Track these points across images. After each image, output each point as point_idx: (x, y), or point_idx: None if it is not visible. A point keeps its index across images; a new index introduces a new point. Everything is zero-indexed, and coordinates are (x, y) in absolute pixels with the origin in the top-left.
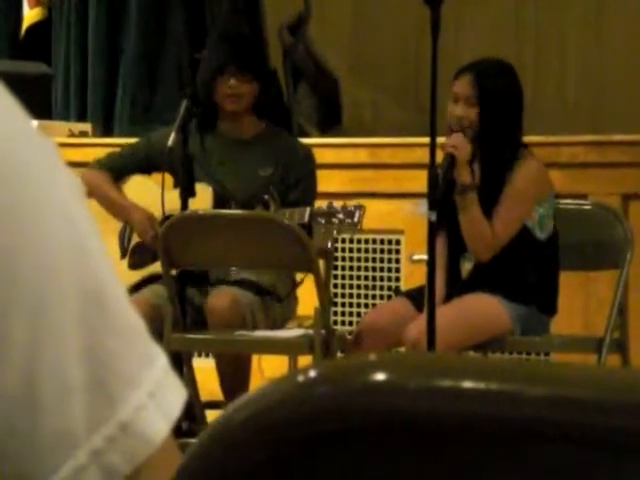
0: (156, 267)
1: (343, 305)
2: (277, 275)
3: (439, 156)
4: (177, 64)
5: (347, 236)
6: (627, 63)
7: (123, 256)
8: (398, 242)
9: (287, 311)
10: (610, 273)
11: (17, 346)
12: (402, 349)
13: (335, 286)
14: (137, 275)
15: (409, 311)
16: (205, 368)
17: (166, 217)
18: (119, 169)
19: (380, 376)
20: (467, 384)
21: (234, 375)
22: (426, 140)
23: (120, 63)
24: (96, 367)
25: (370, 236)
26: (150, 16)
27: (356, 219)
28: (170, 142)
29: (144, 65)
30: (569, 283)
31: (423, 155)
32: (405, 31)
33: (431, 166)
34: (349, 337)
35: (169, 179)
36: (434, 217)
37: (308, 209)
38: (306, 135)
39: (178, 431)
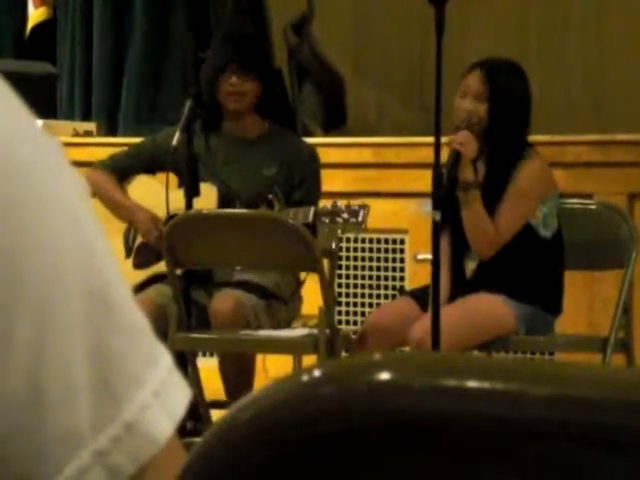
0: (161, 267)
1: (347, 305)
2: (281, 275)
3: (444, 156)
4: (182, 64)
5: (351, 235)
6: (631, 63)
7: (128, 256)
8: (402, 242)
9: (291, 311)
10: (615, 273)
11: (22, 346)
12: (406, 349)
13: (339, 286)
14: (142, 275)
15: (413, 311)
16: (209, 368)
17: (170, 216)
18: (123, 169)
19: (385, 376)
20: (472, 384)
21: (237, 375)
22: (430, 140)
23: (125, 63)
24: (101, 366)
25: (374, 236)
26: (155, 16)
27: (360, 218)
28: (175, 142)
29: (149, 65)
30: (574, 282)
31: (427, 155)
32: (410, 31)
33: (436, 166)
34: (353, 337)
35: (173, 179)
36: (438, 217)
37: (312, 209)
38: (310, 135)
39: (183, 431)
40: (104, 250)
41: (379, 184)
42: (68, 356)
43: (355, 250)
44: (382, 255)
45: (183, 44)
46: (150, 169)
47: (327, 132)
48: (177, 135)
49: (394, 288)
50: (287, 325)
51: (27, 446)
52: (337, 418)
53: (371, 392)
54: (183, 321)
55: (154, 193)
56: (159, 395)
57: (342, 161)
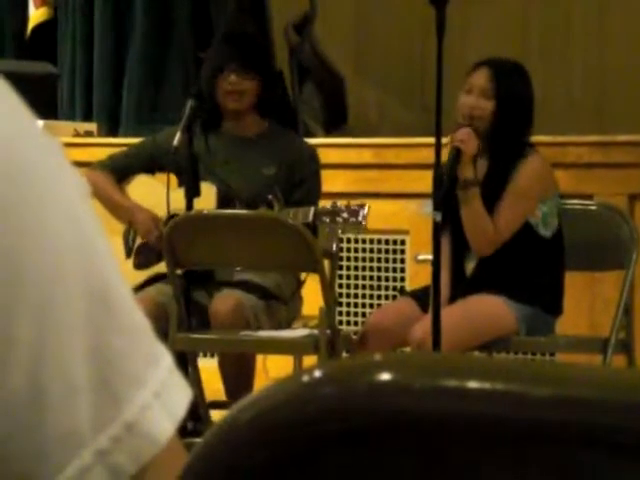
0: (161, 267)
1: (348, 305)
2: (282, 275)
3: (444, 156)
4: (183, 64)
5: (352, 236)
6: (632, 63)
7: (128, 256)
8: (403, 242)
9: (292, 311)
10: (616, 273)
11: (23, 346)
12: (407, 349)
13: (340, 286)
14: (142, 275)
15: (414, 311)
16: (209, 368)
17: (171, 216)
18: (122, 169)
19: (385, 376)
20: (472, 384)
21: (237, 376)
22: (431, 140)
23: (126, 63)
24: (102, 366)
25: (375, 236)
26: (156, 16)
27: (360, 218)
28: (176, 142)
29: (150, 65)
30: (575, 283)
31: (428, 155)
32: (411, 31)
33: (436, 166)
34: (354, 337)
35: (174, 178)
36: (439, 217)
37: (312, 209)
38: (311, 135)
39: (183, 431)
40: (105, 250)
41: (379, 185)
42: (68, 356)
43: (356, 251)
44: (383, 256)
45: (184, 44)
46: (150, 169)
47: (328, 132)
48: (178, 135)
49: (395, 289)
50: (288, 325)
51: (27, 446)
52: (337, 418)
53: (372, 393)
54: (183, 321)
55: (154, 193)
56: (160, 395)
57: (342, 162)
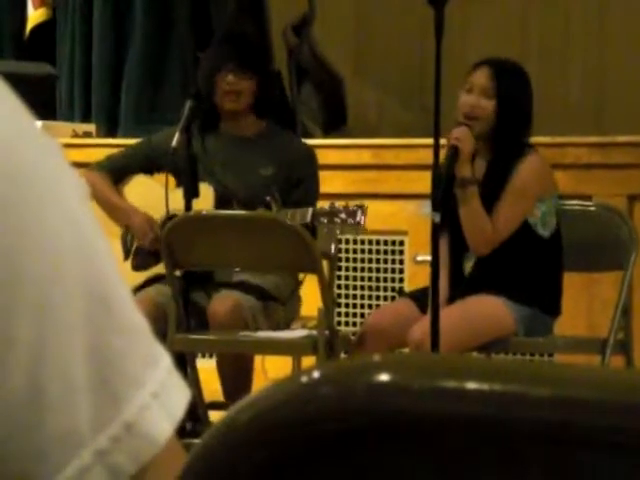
0: (160, 268)
1: (347, 306)
2: (280, 275)
3: (443, 157)
4: (182, 64)
5: (350, 236)
6: (632, 64)
7: (126, 258)
8: (402, 243)
9: (290, 312)
10: (614, 274)
11: (22, 346)
12: (406, 350)
13: (339, 287)
14: (141, 276)
15: (413, 312)
16: (207, 369)
17: (170, 217)
18: (120, 170)
19: (384, 377)
20: (471, 385)
21: (236, 376)
22: (430, 141)
23: (125, 63)
24: (101, 367)
25: (374, 237)
26: (155, 16)
27: (358, 219)
28: (174, 143)
29: (149, 65)
30: (573, 284)
31: (427, 156)
32: (410, 32)
33: (435, 167)
34: (353, 338)
35: (172, 179)
36: (438, 218)
37: (310, 209)
38: (310, 136)
39: (182, 432)
40: (104, 251)
41: (378, 185)
42: (68, 356)
43: (354, 251)
44: (381, 256)
45: (184, 44)
46: (147, 170)
47: (327, 133)
48: (177, 136)
49: (393, 289)
50: (286, 326)
51: (27, 446)
52: (337, 419)
53: (370, 393)
54: (182, 322)
55: (153, 193)
56: (158, 396)
57: (341, 162)
